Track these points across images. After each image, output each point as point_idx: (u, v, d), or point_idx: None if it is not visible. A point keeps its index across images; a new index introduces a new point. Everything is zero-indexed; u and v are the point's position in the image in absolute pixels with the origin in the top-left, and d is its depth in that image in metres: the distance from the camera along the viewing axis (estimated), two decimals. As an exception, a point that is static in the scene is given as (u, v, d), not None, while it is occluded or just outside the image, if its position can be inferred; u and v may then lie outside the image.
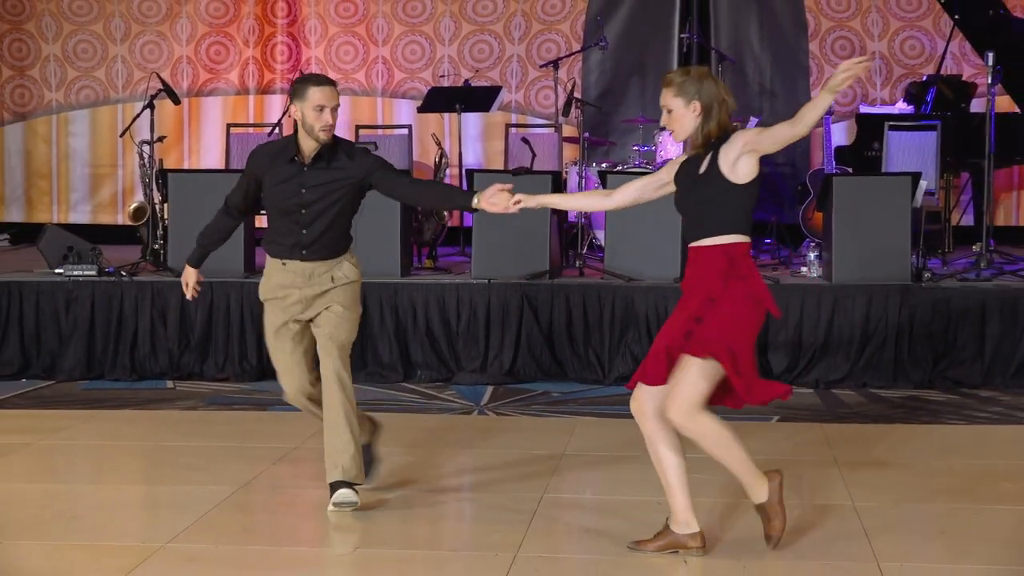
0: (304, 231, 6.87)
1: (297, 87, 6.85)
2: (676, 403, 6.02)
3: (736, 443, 6.17)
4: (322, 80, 6.91)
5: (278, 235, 6.97)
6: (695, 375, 6.01)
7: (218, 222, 7.28)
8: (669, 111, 6.22)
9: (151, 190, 11.46)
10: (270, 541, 6.56)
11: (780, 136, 6.08)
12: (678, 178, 6.27)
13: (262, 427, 9.01)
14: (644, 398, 6.17)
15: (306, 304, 6.93)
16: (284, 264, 6.95)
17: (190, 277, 7.22)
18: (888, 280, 10.27)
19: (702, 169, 6.12)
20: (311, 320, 6.97)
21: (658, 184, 6.41)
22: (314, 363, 7.05)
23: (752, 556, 6.21)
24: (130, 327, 10.61)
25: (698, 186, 6.13)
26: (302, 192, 6.86)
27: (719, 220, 6.13)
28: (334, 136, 6.90)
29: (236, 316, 10.56)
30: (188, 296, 7.27)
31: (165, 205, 11.18)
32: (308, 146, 6.85)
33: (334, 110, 6.82)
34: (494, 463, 7.90)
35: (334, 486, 6.83)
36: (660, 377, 6.04)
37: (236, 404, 9.74)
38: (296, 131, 6.89)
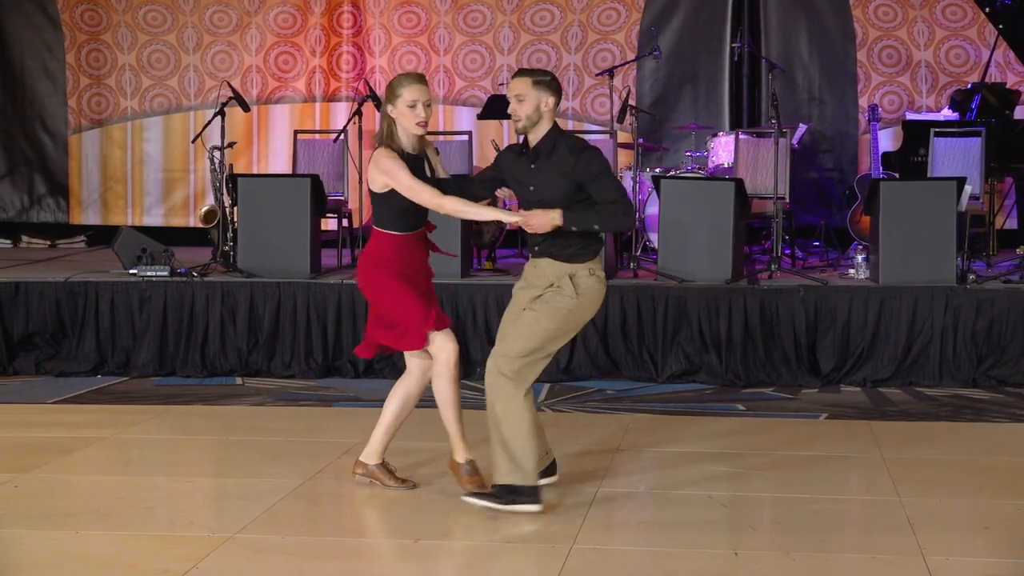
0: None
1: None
2: None
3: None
4: (520, 73, 6.88)
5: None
6: None
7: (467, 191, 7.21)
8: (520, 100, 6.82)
9: (221, 194, 11.62)
10: (335, 532, 6.70)
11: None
12: None
13: (327, 422, 9.15)
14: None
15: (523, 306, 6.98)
16: (530, 260, 7.04)
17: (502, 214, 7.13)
18: (934, 282, 10.33)
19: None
20: None
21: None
22: None
23: (800, 549, 6.30)
24: (201, 326, 10.76)
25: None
26: (527, 186, 6.90)
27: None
28: (557, 129, 6.89)
29: (303, 315, 10.70)
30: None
31: (235, 208, 11.36)
32: (531, 140, 6.87)
33: (518, 98, 6.77)
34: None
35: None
36: None
37: (302, 400, 9.84)
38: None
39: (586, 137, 13.07)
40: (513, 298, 7.11)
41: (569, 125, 13.95)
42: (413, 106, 6.95)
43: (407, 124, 6.98)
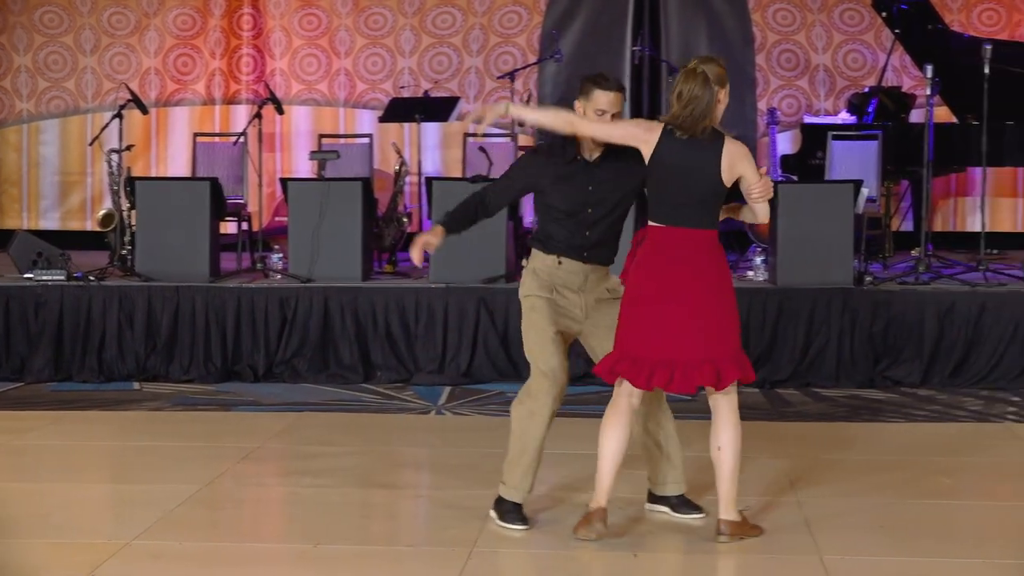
0: (587, 232, 6.66)
1: (584, 85, 6.65)
2: None
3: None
4: (607, 84, 6.60)
5: (559, 235, 6.70)
6: None
7: (471, 208, 6.88)
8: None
9: (119, 197, 11.55)
10: (233, 538, 6.64)
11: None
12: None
13: (226, 427, 9.08)
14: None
15: (587, 312, 6.77)
16: (560, 263, 6.72)
17: (432, 238, 6.84)
18: (831, 283, 10.40)
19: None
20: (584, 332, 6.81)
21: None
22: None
23: (699, 551, 6.36)
24: (98, 330, 10.67)
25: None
26: (589, 190, 6.66)
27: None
28: None
29: (201, 319, 10.64)
30: (411, 253, 6.87)
31: (133, 212, 11.27)
32: (587, 146, 6.66)
33: (614, 117, 6.58)
34: (451, 461, 7.99)
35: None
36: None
37: (200, 405, 9.78)
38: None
39: (487, 140, 13.16)
40: (540, 309, 6.81)
41: (470, 127, 13.92)
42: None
43: None
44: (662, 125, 6.34)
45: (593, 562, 6.25)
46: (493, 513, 6.79)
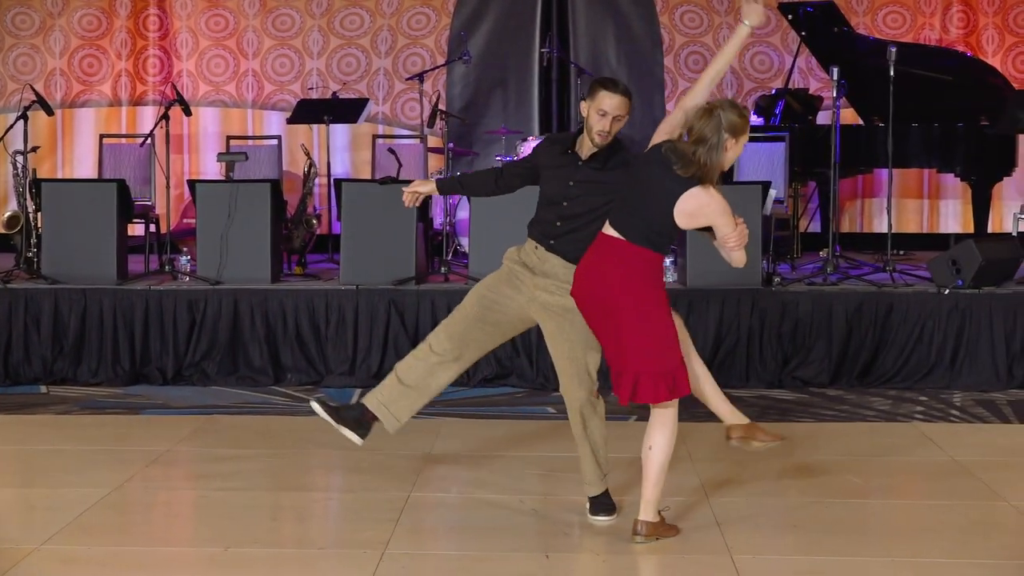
0: (559, 223, 6.81)
1: (591, 85, 6.75)
2: None
3: None
4: (614, 87, 6.69)
5: (540, 221, 6.91)
6: None
7: (485, 177, 7.26)
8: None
9: (25, 199, 11.46)
10: (144, 542, 6.60)
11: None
12: None
13: (135, 430, 9.00)
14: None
15: (531, 293, 6.91)
16: (536, 248, 6.89)
17: (425, 187, 7.22)
18: (740, 284, 10.45)
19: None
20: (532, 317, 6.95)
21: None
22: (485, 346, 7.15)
23: (610, 551, 6.39)
24: (3, 333, 10.57)
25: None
26: (570, 185, 6.80)
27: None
28: (618, 141, 6.78)
29: (109, 322, 10.56)
30: (405, 195, 7.21)
31: (39, 214, 11.18)
32: (586, 144, 6.78)
33: (617, 119, 6.67)
34: (362, 463, 7.97)
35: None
36: None
37: (109, 408, 9.70)
38: (582, 127, 6.81)
39: (396, 142, 13.16)
40: (492, 277, 7.08)
41: (379, 129, 13.98)
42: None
43: None
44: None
45: (504, 563, 6.25)
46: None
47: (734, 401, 9.82)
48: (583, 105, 6.76)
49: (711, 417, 9.30)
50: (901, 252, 12.61)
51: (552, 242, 6.82)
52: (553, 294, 6.82)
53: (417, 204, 7.29)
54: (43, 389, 10.42)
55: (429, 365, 7.09)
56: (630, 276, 6.31)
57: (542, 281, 6.85)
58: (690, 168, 6.15)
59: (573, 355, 6.83)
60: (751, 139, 12.01)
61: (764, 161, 12.05)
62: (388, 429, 7.15)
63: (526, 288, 6.90)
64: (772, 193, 10.84)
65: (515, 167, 7.20)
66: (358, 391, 10.17)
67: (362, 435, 7.13)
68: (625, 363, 6.37)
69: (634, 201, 6.33)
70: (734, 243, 6.34)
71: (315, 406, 7.13)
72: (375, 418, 7.14)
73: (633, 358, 6.35)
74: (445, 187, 7.33)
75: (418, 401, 7.15)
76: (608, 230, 6.38)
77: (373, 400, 7.15)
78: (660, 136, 6.41)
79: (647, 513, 6.48)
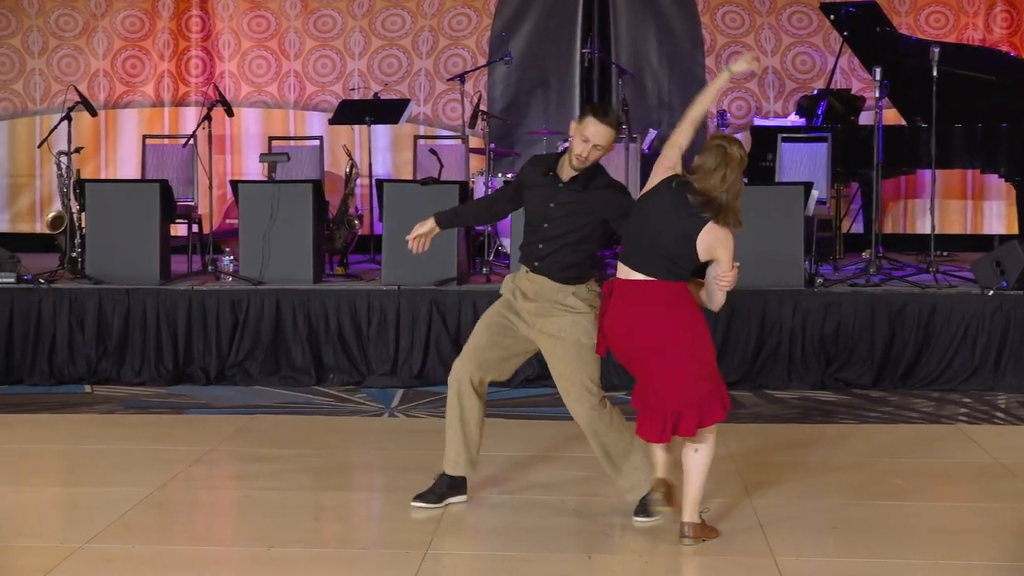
0: (541, 245, 6.85)
1: (582, 109, 6.83)
2: None
3: None
4: (603, 116, 6.66)
5: (526, 244, 6.95)
6: None
7: (479, 205, 7.36)
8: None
9: (69, 199, 11.48)
10: (187, 541, 6.62)
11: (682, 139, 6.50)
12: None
13: (178, 430, 9.04)
14: None
15: (531, 320, 6.92)
16: (527, 272, 6.93)
17: (426, 227, 7.15)
18: (782, 285, 10.45)
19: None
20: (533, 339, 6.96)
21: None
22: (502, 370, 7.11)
23: (653, 552, 6.38)
24: (48, 333, 10.62)
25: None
26: (550, 207, 6.81)
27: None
28: (597, 164, 6.78)
29: (152, 322, 10.60)
30: (409, 243, 7.16)
31: (82, 214, 11.23)
32: (566, 167, 6.78)
33: (596, 148, 6.64)
34: (404, 463, 7.98)
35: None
36: None
37: (152, 408, 9.75)
38: (566, 151, 6.83)
39: (437, 143, 13.17)
40: (495, 304, 7.09)
41: (421, 130, 13.99)
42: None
43: None
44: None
45: (547, 564, 6.24)
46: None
47: (776, 402, 9.87)
48: (572, 126, 6.76)
49: (753, 418, 9.35)
50: (944, 253, 12.55)
51: (537, 264, 6.87)
52: (545, 316, 6.87)
53: (425, 248, 7.19)
54: (87, 389, 10.45)
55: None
56: (663, 314, 6.36)
57: (533, 306, 6.88)
58: (712, 209, 6.26)
59: (567, 374, 6.86)
60: (794, 139, 12.03)
61: (806, 162, 12.01)
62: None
63: (524, 314, 6.93)
64: (814, 194, 10.81)
65: (504, 193, 7.22)
66: (400, 391, 10.20)
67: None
68: (664, 401, 6.42)
69: (649, 239, 6.37)
70: (728, 282, 6.40)
71: (417, 505, 7.10)
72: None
73: (670, 396, 6.40)
74: (444, 221, 7.25)
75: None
76: (630, 275, 6.40)
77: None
78: (661, 173, 6.48)
79: (690, 515, 6.48)
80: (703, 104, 6.68)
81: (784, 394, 10.18)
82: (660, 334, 6.36)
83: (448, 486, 7.10)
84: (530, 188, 6.92)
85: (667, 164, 6.48)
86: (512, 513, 7.06)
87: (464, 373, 6.97)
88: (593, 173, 6.79)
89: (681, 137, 6.55)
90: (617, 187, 6.91)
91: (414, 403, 9.91)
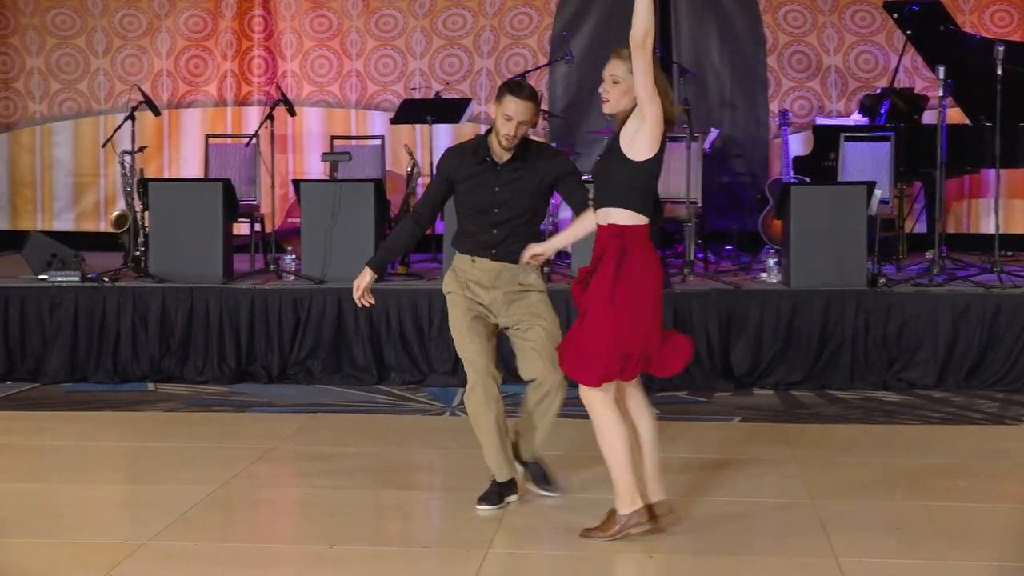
0: (495, 230, 6.93)
1: (499, 90, 6.88)
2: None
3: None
4: (519, 92, 6.83)
5: (471, 234, 7.01)
6: None
7: (403, 230, 7.25)
8: (616, 82, 6.39)
9: (132, 198, 11.59)
10: (248, 538, 6.66)
11: (640, 74, 6.23)
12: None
13: (241, 428, 9.10)
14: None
15: (497, 308, 7.03)
16: (474, 261, 7.01)
17: (364, 279, 7.03)
18: (845, 285, 10.42)
19: (609, 147, 6.42)
20: (506, 327, 7.08)
21: None
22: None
23: (714, 552, 6.36)
24: (112, 331, 10.70)
25: (604, 162, 6.46)
26: (495, 191, 6.91)
27: (614, 196, 6.40)
28: (525, 138, 6.89)
29: (215, 320, 10.66)
30: (358, 302, 7.06)
31: (146, 213, 11.31)
32: (497, 149, 6.89)
33: (521, 123, 6.78)
34: (465, 462, 7.96)
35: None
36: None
37: (215, 406, 9.81)
38: (489, 132, 6.95)
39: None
40: (456, 305, 7.09)
41: (482, 129, 13.96)
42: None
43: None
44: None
45: (606, 563, 6.26)
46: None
47: (838, 402, 9.83)
48: (493, 108, 6.88)
49: (815, 419, 9.32)
50: (1009, 253, 12.45)
51: (494, 251, 6.97)
52: (513, 302, 7.01)
53: (372, 302, 7.10)
54: (151, 387, 10.53)
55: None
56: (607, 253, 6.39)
57: (499, 294, 7.01)
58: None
59: (550, 345, 6.94)
60: (857, 139, 11.97)
61: (869, 161, 11.94)
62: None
63: (491, 305, 7.03)
64: (877, 193, 10.75)
65: (427, 200, 7.20)
66: (460, 390, 10.20)
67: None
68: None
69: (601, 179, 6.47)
70: None
71: (482, 508, 7.12)
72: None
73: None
74: (378, 265, 7.21)
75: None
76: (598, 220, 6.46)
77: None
78: None
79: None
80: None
81: (846, 394, 10.13)
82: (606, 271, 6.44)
83: (503, 486, 7.13)
84: (465, 180, 7.00)
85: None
86: (572, 512, 7.03)
87: (488, 377, 7.03)
88: (525, 147, 6.92)
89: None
90: (551, 150, 7.13)
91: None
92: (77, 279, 10.89)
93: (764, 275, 11.06)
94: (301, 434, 8.89)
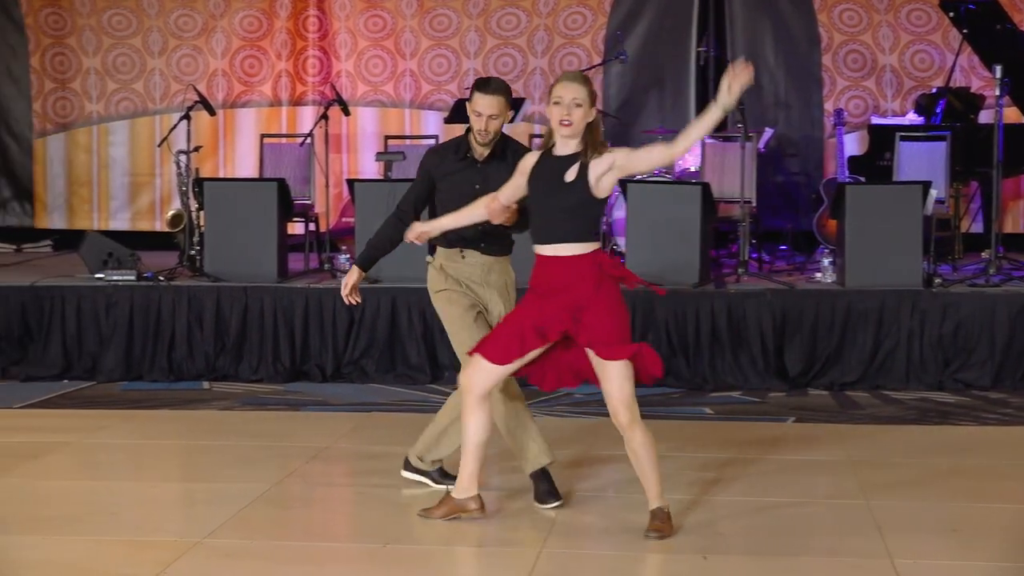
0: (479, 226, 6.95)
1: (472, 88, 7.00)
2: (625, 408, 6.47)
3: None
4: (486, 87, 6.96)
5: (454, 231, 7.02)
6: (624, 378, 6.44)
7: (388, 227, 7.31)
8: (579, 105, 6.41)
9: (188, 198, 11.62)
10: (303, 537, 6.69)
11: (655, 160, 6.48)
12: (533, 179, 6.54)
13: (295, 427, 9.14)
14: (480, 374, 6.55)
15: (495, 307, 7.13)
16: (463, 255, 7.11)
17: (352, 277, 7.15)
18: (900, 285, 10.38)
19: (570, 177, 6.39)
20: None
21: (521, 189, 6.62)
22: None
23: (769, 553, 6.36)
24: (167, 330, 10.75)
25: (562, 192, 6.41)
26: (476, 188, 6.95)
27: (582, 228, 6.45)
28: (503, 136, 7.02)
29: (270, 319, 10.71)
30: (345, 300, 7.17)
31: (201, 212, 11.37)
32: (476, 147, 7.01)
33: (492, 118, 6.90)
34: (517, 461, 7.88)
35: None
36: (508, 359, 6.48)
37: (270, 404, 9.84)
38: (469, 130, 7.05)
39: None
40: (455, 302, 7.16)
41: (536, 129, 13.98)
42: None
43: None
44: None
45: (661, 564, 6.26)
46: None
47: (893, 403, 9.78)
48: (468, 105, 6.99)
49: (870, 419, 9.29)
50: (1067, 253, 12.39)
51: (483, 245, 7.07)
52: (504, 298, 7.14)
53: (358, 300, 7.24)
54: (206, 385, 10.58)
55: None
56: None
57: (494, 291, 7.14)
58: None
59: None
60: (912, 138, 11.92)
61: (925, 161, 11.88)
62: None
63: (490, 303, 7.15)
64: (933, 193, 10.73)
65: (409, 197, 7.32)
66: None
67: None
68: None
69: None
70: None
71: (552, 505, 7.14)
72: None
73: None
74: (364, 262, 7.32)
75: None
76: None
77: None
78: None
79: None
80: (687, 142, 6.60)
81: (901, 395, 10.09)
82: None
83: (547, 478, 7.14)
84: (446, 178, 7.12)
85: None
86: (626, 512, 7.03)
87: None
88: (504, 144, 7.03)
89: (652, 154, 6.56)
90: (528, 149, 7.09)
91: (528, 401, 9.74)
92: (133, 278, 10.96)
93: (819, 275, 11.03)
94: (355, 433, 8.91)
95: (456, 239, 7.06)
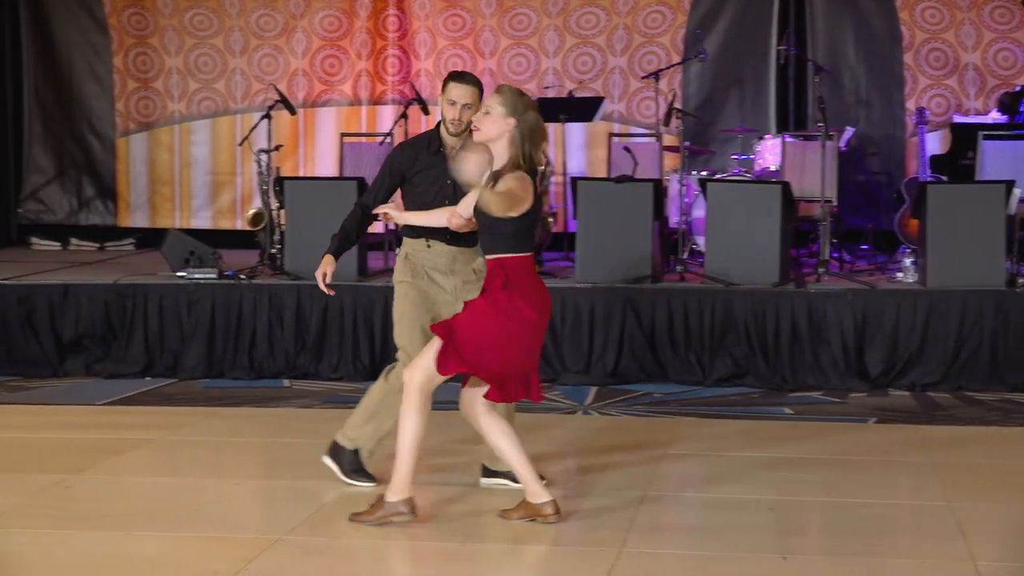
0: None
1: (445, 80, 7.09)
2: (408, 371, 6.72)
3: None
4: (460, 78, 7.09)
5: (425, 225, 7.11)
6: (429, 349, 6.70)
7: (353, 219, 7.37)
8: (487, 112, 6.54)
9: (268, 197, 11.70)
10: (382, 535, 6.65)
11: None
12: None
13: (375, 425, 9.25)
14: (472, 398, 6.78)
15: (456, 295, 7.13)
16: (429, 245, 7.16)
17: (330, 266, 7.30)
18: (982, 285, 10.30)
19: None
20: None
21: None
22: None
23: (849, 553, 6.31)
24: (248, 328, 10.83)
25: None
26: (448, 183, 6.96)
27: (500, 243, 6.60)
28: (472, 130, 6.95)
29: (350, 318, 10.74)
30: (324, 289, 7.33)
31: (282, 211, 11.43)
32: (448, 140, 7.06)
33: (466, 107, 6.96)
34: (598, 461, 7.99)
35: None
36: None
37: (350, 402, 9.52)
38: (439, 125, 7.11)
39: (632, 140, 13.16)
40: (410, 299, 7.25)
41: (615, 128, 13.96)
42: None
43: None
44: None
45: (741, 564, 6.22)
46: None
47: (976, 404, 9.71)
48: (439, 100, 7.09)
49: (952, 420, 9.22)
50: None
51: (449, 237, 7.07)
52: (466, 287, 7.15)
53: (331, 291, 7.41)
54: (286, 383, 10.64)
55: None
56: None
57: (458, 279, 7.19)
58: None
59: None
60: (994, 137, 11.81)
61: (1008, 160, 11.77)
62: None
63: (452, 290, 7.19)
64: (1016, 192, 10.63)
65: (373, 192, 7.34)
66: (593, 389, 10.21)
67: None
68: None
69: None
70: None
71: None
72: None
73: None
74: (336, 250, 7.39)
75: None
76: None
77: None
78: None
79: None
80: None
81: (984, 396, 10.01)
82: None
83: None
84: (418, 173, 7.16)
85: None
86: (706, 511, 7.06)
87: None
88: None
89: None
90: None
91: (608, 401, 9.91)
92: (214, 276, 11.04)
93: (900, 275, 10.97)
94: (435, 431, 8.87)
95: (423, 230, 7.13)
